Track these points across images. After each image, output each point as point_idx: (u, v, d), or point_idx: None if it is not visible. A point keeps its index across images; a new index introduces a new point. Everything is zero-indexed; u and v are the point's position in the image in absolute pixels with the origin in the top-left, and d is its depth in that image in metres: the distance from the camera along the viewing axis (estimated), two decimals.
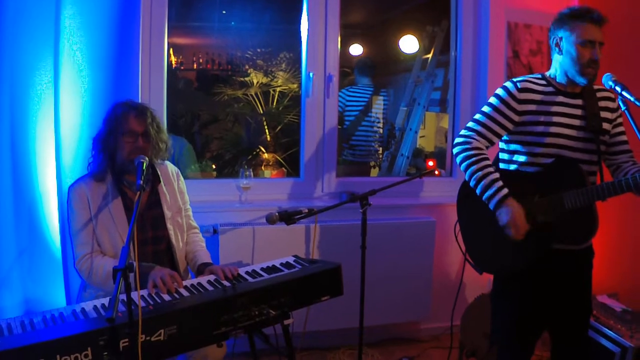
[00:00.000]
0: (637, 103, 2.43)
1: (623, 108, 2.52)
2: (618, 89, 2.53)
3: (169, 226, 3.01)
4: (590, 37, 2.64)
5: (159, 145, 2.93)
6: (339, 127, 5.76)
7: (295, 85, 5.71)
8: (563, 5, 4.33)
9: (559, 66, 2.79)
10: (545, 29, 4.44)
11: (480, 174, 2.75)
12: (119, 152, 2.84)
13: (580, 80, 2.69)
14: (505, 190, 2.70)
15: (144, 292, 2.58)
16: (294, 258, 3.12)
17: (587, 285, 2.88)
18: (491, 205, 2.72)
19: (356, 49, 6.90)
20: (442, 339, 4.40)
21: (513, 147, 2.87)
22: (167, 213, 3.02)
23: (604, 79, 2.62)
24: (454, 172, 4.66)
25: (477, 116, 2.90)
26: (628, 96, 2.48)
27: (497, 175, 2.75)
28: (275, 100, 5.86)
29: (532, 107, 2.77)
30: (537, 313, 2.85)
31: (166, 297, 2.53)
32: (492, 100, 2.85)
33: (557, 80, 2.80)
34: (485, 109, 2.87)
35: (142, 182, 2.48)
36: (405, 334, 4.43)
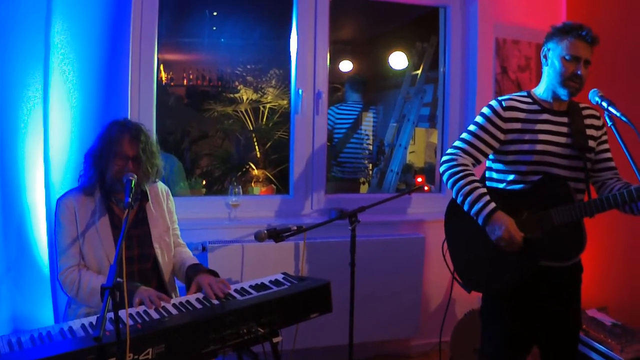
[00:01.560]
0: (623, 119, 2.44)
1: (610, 124, 2.53)
2: (604, 104, 2.55)
3: (155, 245, 3.00)
4: (575, 52, 2.66)
5: (150, 169, 2.91)
6: (328, 144, 5.78)
7: (285, 102, 5.72)
8: (551, 21, 4.40)
9: (544, 79, 2.82)
10: (534, 45, 4.49)
11: (467, 188, 2.74)
12: (108, 172, 2.84)
13: (562, 93, 2.71)
14: (493, 204, 2.70)
15: (132, 311, 2.56)
16: (283, 275, 3.12)
17: (576, 300, 2.89)
18: (480, 220, 2.71)
19: (346, 66, 6.93)
20: (432, 356, 4.39)
21: (500, 165, 2.88)
22: (154, 232, 3.01)
23: (590, 95, 2.64)
24: (443, 188, 4.67)
25: (464, 135, 2.90)
26: (614, 111, 2.50)
27: (484, 190, 2.75)
28: (265, 117, 5.87)
29: (518, 125, 2.78)
30: (526, 330, 2.85)
31: (154, 316, 2.52)
32: (478, 119, 2.87)
33: (543, 97, 2.82)
34: (472, 127, 2.88)
35: (130, 199, 2.47)
36: (395, 351, 4.42)
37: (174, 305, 2.65)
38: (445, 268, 3.92)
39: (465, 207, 2.77)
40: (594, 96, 2.62)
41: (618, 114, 2.48)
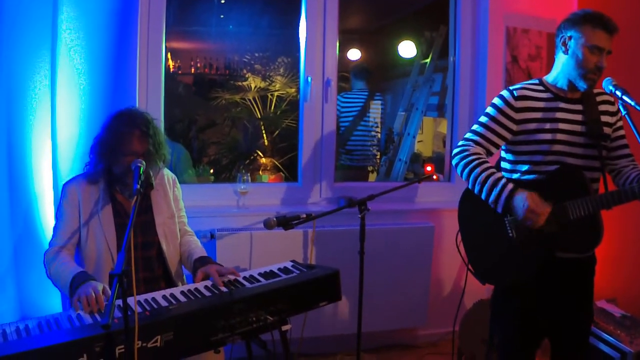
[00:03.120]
0: (638, 107, 2.40)
1: (624, 112, 2.48)
2: (618, 93, 2.49)
3: (160, 232, 2.99)
4: (600, 43, 2.59)
5: (157, 161, 2.90)
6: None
7: (293, 90, 5.71)
8: (562, 10, 4.39)
9: (561, 67, 2.74)
10: (545, 34, 4.45)
11: (483, 176, 2.68)
12: (117, 167, 2.82)
13: (581, 85, 2.65)
14: (511, 185, 2.63)
15: (141, 298, 2.56)
16: (291, 263, 3.10)
17: (589, 292, 2.84)
18: (501, 202, 2.63)
19: (354, 54, 6.92)
20: (440, 345, 4.39)
21: (514, 156, 2.83)
22: (158, 219, 3.00)
23: (604, 84, 2.58)
24: (452, 177, 4.65)
25: (475, 126, 2.85)
26: (629, 100, 2.45)
27: (500, 174, 2.70)
28: (273, 105, 5.86)
29: (531, 114, 2.73)
30: (538, 322, 2.82)
31: (163, 303, 2.51)
32: (489, 109, 2.81)
33: (558, 85, 2.75)
34: (483, 119, 2.83)
35: (139, 186, 2.46)
36: (403, 340, 4.41)
37: (182, 292, 2.64)
38: (454, 258, 3.91)
39: (483, 195, 2.69)
40: (607, 85, 2.56)
41: (632, 103, 2.43)
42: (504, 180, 2.65)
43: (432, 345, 4.43)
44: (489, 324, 3.05)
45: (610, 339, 3.59)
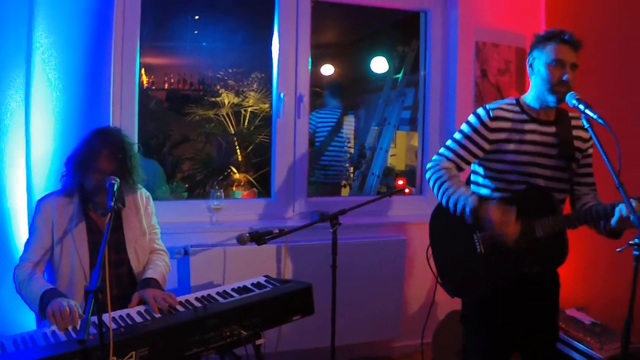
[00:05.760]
0: (600, 121, 2.44)
1: (587, 126, 2.53)
2: (582, 107, 2.52)
3: (130, 250, 3.00)
4: (560, 56, 2.66)
5: (126, 184, 2.91)
6: (310, 149, 5.81)
7: (266, 106, 5.74)
8: (531, 25, 4.49)
9: (532, 88, 2.81)
10: (514, 49, 4.54)
11: (451, 189, 2.73)
12: (87, 183, 2.85)
13: (551, 100, 2.69)
14: (476, 195, 2.68)
15: (116, 314, 2.57)
16: (265, 278, 3.13)
17: (555, 305, 2.92)
18: (468, 211, 2.65)
19: (328, 69, 6.97)
20: (414, 357, 4.42)
21: (485, 172, 2.90)
22: (129, 237, 3.01)
23: (567, 98, 2.61)
24: (424, 191, 4.70)
25: (449, 142, 2.91)
26: (591, 114, 2.48)
27: (468, 189, 2.76)
28: (246, 121, 5.88)
29: (504, 135, 2.78)
30: (507, 337, 2.87)
31: (137, 319, 2.52)
32: (464, 127, 2.87)
33: (531, 105, 2.81)
34: (457, 135, 2.88)
35: (113, 203, 2.48)
36: (378, 352, 4.44)
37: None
38: (426, 270, 3.95)
39: (451, 206, 2.74)
40: (571, 99, 2.58)
41: (595, 116, 2.46)
42: (469, 192, 2.71)
43: (407, 357, 4.47)
44: (461, 335, 3.09)
45: (580, 346, 3.65)
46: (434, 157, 2.93)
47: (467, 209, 2.65)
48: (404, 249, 4.24)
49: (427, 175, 2.88)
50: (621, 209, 2.41)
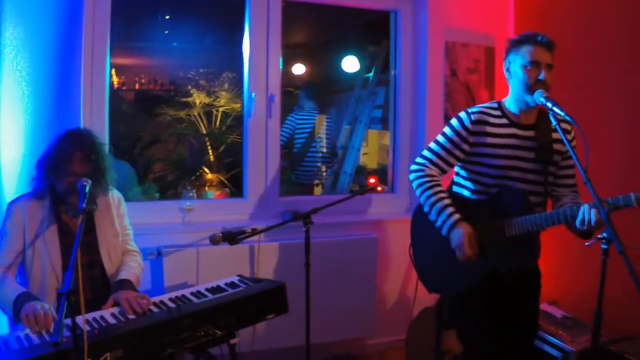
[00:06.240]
0: (568, 118, 2.49)
1: (554, 123, 2.57)
2: (549, 104, 2.58)
3: (103, 251, 2.99)
4: (535, 58, 2.71)
5: (99, 186, 2.91)
6: (289, 151, 5.82)
7: (238, 105, 5.72)
8: (500, 25, 4.55)
9: (511, 92, 2.86)
10: (482, 48, 4.59)
11: (433, 199, 2.85)
12: (58, 186, 2.84)
13: (529, 99, 2.72)
14: (457, 215, 2.79)
15: (89, 316, 2.56)
16: (238, 278, 3.14)
17: (534, 302, 2.99)
18: (444, 230, 2.81)
19: (299, 69, 6.98)
20: (388, 354, 4.45)
21: (465, 174, 2.97)
22: (101, 238, 3.00)
23: (535, 96, 2.67)
24: (395, 189, 4.74)
25: (432, 145, 2.99)
26: (559, 111, 2.52)
27: (449, 201, 2.85)
28: (218, 121, 5.86)
29: (485, 139, 2.84)
30: (489, 332, 2.95)
31: (111, 321, 2.52)
32: (446, 130, 2.94)
33: (511, 109, 2.85)
34: (440, 138, 2.95)
35: (85, 205, 2.47)
36: (352, 350, 4.46)
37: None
38: (399, 268, 4.00)
39: (432, 217, 2.87)
40: (538, 97, 2.64)
41: (562, 114, 2.52)
42: (450, 209, 2.81)
43: (381, 354, 4.50)
44: (434, 331, 3.15)
45: (552, 339, 3.70)
46: (418, 159, 3.01)
47: (445, 226, 2.81)
48: (375, 247, 4.28)
49: (411, 177, 2.98)
50: (585, 211, 2.45)
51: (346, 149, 5.81)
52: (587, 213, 2.44)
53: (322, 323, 4.01)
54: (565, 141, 2.56)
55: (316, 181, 6.19)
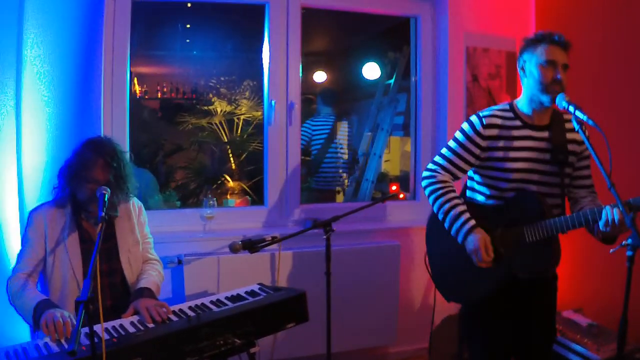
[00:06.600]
0: (590, 122, 2.44)
1: (577, 128, 2.53)
2: (571, 109, 2.53)
3: (123, 259, 2.99)
4: (551, 57, 2.67)
5: (120, 192, 2.92)
6: (306, 158, 5.81)
7: (259, 113, 5.73)
8: (521, 29, 4.50)
9: (525, 92, 2.81)
10: (504, 53, 4.55)
11: (447, 206, 2.80)
12: (80, 194, 2.84)
13: (545, 100, 2.68)
14: (472, 222, 2.74)
15: (108, 325, 2.56)
16: (258, 286, 3.13)
17: (551, 309, 2.93)
18: (459, 238, 2.76)
19: (320, 76, 6.98)
20: None
21: (480, 179, 2.92)
22: (122, 246, 3.00)
23: (557, 100, 2.63)
24: (417, 196, 4.70)
25: (444, 150, 2.94)
26: (581, 116, 2.49)
27: (464, 207, 2.80)
28: (239, 129, 5.87)
29: (498, 143, 2.80)
30: (503, 341, 2.89)
31: (130, 329, 2.52)
32: (458, 135, 2.89)
33: (525, 111, 2.81)
34: (451, 143, 2.91)
35: (104, 213, 2.47)
36: (374, 359, 4.43)
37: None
38: (422, 275, 3.95)
39: (446, 225, 2.82)
40: (561, 101, 2.60)
41: (585, 118, 2.48)
42: (466, 215, 2.77)
43: None
44: (457, 339, 3.11)
45: (577, 347, 3.65)
46: (430, 165, 2.96)
47: (461, 234, 2.76)
48: (398, 254, 4.24)
49: (424, 184, 2.93)
50: (607, 212, 2.41)
51: (368, 156, 5.78)
52: (609, 214, 2.39)
53: (343, 331, 3.97)
54: (587, 145, 2.51)
55: (337, 188, 6.17)
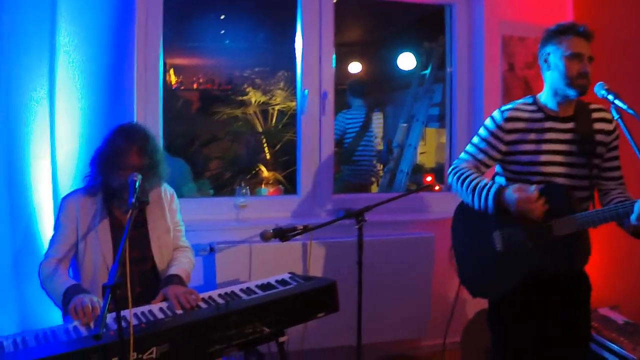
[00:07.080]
0: (630, 111, 2.39)
1: (616, 117, 2.47)
2: (610, 97, 2.48)
3: (154, 246, 3.01)
4: (577, 49, 2.62)
5: (153, 178, 2.91)
6: (339, 149, 5.79)
7: (293, 104, 5.74)
8: (558, 17, 4.40)
9: (548, 84, 2.75)
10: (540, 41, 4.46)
11: (473, 184, 2.73)
12: (113, 181, 2.85)
13: (572, 93, 2.64)
14: (497, 184, 2.67)
15: (137, 310, 2.57)
16: (289, 275, 3.12)
17: (584, 306, 2.84)
18: (490, 200, 2.65)
19: (355, 67, 6.95)
20: (443, 356, 4.37)
21: (505, 174, 2.87)
22: (153, 234, 3.02)
23: (596, 88, 2.57)
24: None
25: (468, 147, 2.92)
26: (621, 104, 2.43)
27: (488, 179, 2.75)
28: (274, 119, 5.89)
29: (520, 136, 2.75)
30: (531, 338, 2.82)
31: (159, 315, 2.53)
32: (481, 130, 2.86)
33: (548, 105, 2.76)
34: (475, 139, 2.88)
35: (134, 200, 2.48)
36: (405, 351, 4.40)
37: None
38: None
39: (476, 201, 2.72)
40: (600, 89, 2.54)
41: (624, 107, 2.42)
42: (491, 182, 2.70)
43: (435, 356, 4.41)
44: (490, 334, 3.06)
45: (613, 346, 3.57)
46: (455, 162, 2.93)
47: (491, 199, 2.64)
48: (432, 246, 4.20)
49: (449, 179, 2.89)
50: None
51: (403, 147, 5.74)
52: None
53: (375, 323, 3.94)
54: (627, 134, 2.43)
55: (372, 179, 6.14)
